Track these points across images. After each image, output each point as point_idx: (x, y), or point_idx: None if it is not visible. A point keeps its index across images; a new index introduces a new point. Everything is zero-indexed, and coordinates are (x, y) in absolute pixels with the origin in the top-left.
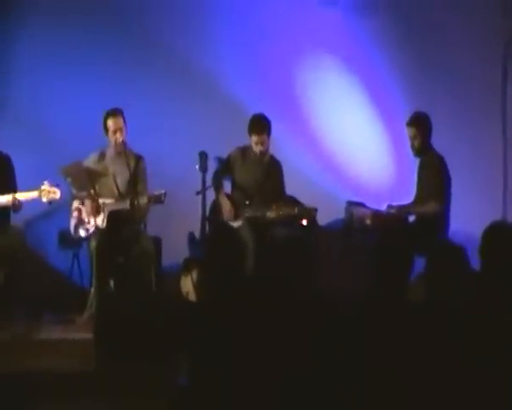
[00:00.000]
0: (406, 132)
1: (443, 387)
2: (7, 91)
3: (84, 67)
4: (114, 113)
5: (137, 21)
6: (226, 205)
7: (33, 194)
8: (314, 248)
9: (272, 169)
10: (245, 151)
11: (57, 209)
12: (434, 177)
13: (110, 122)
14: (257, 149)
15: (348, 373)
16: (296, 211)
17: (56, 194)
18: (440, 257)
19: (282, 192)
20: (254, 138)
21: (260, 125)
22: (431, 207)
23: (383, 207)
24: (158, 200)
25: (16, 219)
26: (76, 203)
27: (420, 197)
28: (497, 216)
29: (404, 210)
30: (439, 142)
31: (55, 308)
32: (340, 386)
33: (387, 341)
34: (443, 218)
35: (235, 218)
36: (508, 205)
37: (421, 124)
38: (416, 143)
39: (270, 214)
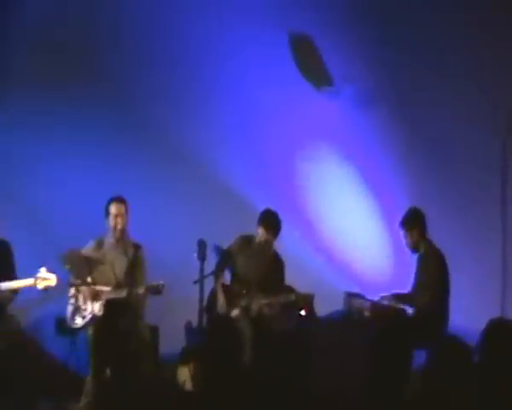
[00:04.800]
0: None
1: None
2: (7, 177)
3: (84, 157)
4: (118, 200)
5: (139, 112)
6: (221, 298)
7: (29, 282)
8: (312, 341)
9: (275, 265)
10: (249, 240)
11: (55, 295)
12: (428, 271)
13: (112, 207)
14: (261, 240)
15: None
16: (293, 297)
17: (52, 281)
18: (446, 355)
19: (281, 287)
20: (262, 233)
21: (274, 227)
22: (422, 301)
23: (377, 297)
24: (156, 291)
25: (14, 304)
26: (73, 291)
27: (414, 290)
28: (496, 311)
29: (397, 301)
30: (438, 235)
31: (52, 396)
32: None
33: None
34: (442, 312)
35: (230, 309)
36: (506, 299)
37: (408, 224)
38: (407, 241)
39: (267, 301)
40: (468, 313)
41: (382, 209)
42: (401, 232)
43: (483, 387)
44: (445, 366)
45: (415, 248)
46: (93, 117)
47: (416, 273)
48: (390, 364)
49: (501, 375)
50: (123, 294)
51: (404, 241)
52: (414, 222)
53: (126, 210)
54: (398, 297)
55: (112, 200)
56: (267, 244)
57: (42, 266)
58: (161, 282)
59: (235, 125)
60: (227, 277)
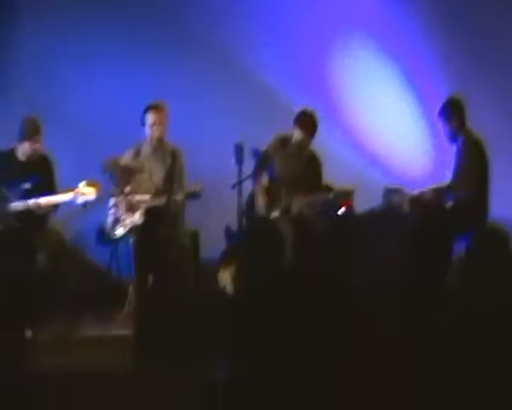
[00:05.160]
0: None
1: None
2: (48, 91)
3: (123, 62)
4: (154, 107)
5: (176, 15)
6: (261, 200)
7: (68, 196)
8: (352, 237)
9: (312, 164)
10: (285, 141)
11: (96, 205)
12: (467, 161)
13: (149, 115)
14: (297, 140)
15: (388, 361)
16: (332, 195)
17: (91, 196)
18: (483, 243)
19: (320, 187)
20: (298, 134)
21: (311, 126)
22: (462, 190)
23: (416, 190)
24: (194, 195)
25: (55, 216)
26: (113, 201)
27: (454, 180)
28: None
29: (436, 193)
30: (480, 124)
31: (95, 305)
32: (379, 375)
33: (426, 329)
34: (481, 201)
35: (270, 211)
36: None
37: (447, 114)
38: (447, 132)
39: (306, 201)
40: (508, 199)
41: (422, 102)
42: (440, 123)
43: None
44: (485, 254)
45: (454, 139)
46: (130, 19)
47: (455, 164)
48: (430, 256)
49: None
50: (162, 201)
51: (443, 131)
52: (452, 112)
53: (164, 117)
54: (438, 189)
55: (148, 108)
56: (304, 144)
57: (82, 180)
58: (200, 185)
59: (270, 24)
60: (265, 179)
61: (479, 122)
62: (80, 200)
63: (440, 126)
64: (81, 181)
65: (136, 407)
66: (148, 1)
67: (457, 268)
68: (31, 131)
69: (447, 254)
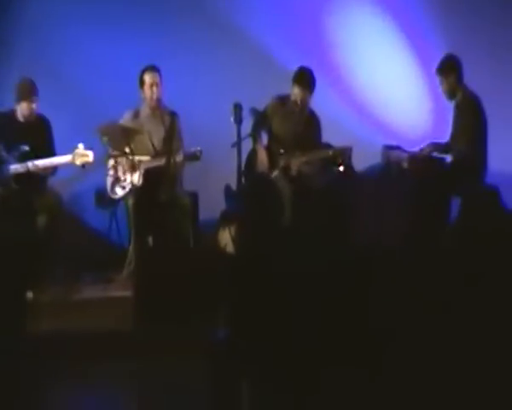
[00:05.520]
0: None
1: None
2: (46, 53)
3: (119, 25)
4: (152, 68)
5: None
6: (262, 157)
7: (67, 158)
8: (351, 195)
9: (311, 123)
10: (284, 100)
11: (94, 169)
12: (464, 118)
13: (147, 76)
14: (296, 98)
15: (385, 319)
16: (331, 152)
17: (89, 157)
18: (473, 203)
19: (319, 145)
20: (297, 91)
21: (309, 83)
22: (459, 147)
23: (415, 149)
24: (194, 157)
25: (53, 180)
26: (112, 162)
27: (452, 138)
28: None
29: (435, 151)
30: (475, 82)
31: (94, 268)
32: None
33: (422, 288)
34: (479, 159)
35: (270, 169)
36: None
37: (444, 70)
38: (444, 88)
39: (305, 159)
40: (506, 158)
41: (420, 59)
42: (437, 79)
43: None
44: (479, 213)
45: (451, 96)
46: None
47: (453, 121)
48: (428, 214)
49: None
50: (161, 162)
51: (440, 88)
52: (450, 68)
53: (160, 79)
54: (436, 147)
55: (146, 69)
56: (302, 102)
57: (79, 143)
58: (199, 148)
59: None
60: (264, 139)
61: (475, 81)
62: (79, 162)
63: (438, 83)
64: (78, 142)
65: (135, 369)
66: None
67: (453, 229)
68: (27, 91)
69: (444, 210)
